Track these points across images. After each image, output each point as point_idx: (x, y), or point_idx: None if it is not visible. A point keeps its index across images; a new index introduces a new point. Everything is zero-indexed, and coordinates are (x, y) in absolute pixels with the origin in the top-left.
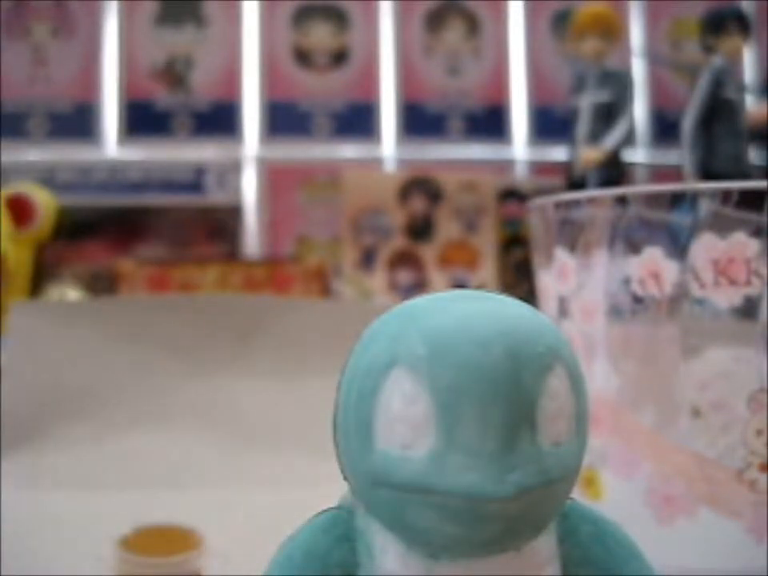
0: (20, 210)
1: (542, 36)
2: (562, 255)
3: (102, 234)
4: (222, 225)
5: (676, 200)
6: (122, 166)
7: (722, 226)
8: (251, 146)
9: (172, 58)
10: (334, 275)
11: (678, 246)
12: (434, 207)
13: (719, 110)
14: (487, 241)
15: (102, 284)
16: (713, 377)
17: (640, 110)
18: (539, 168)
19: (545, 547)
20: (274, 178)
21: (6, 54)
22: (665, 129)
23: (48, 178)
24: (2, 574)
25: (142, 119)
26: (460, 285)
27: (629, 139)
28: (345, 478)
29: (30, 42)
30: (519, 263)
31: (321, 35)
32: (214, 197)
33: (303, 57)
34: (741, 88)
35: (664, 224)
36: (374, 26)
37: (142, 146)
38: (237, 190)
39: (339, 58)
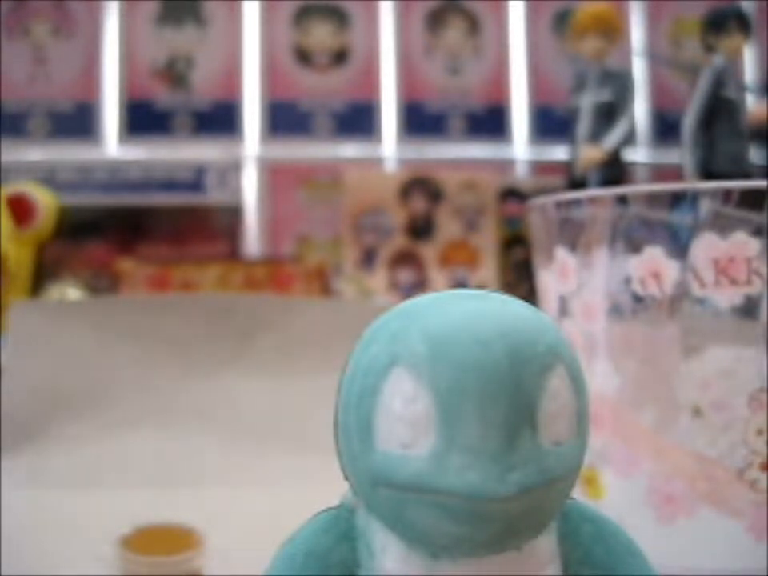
0: (21, 209)
1: (542, 35)
2: (562, 255)
3: (103, 234)
4: (222, 225)
5: (676, 199)
6: (122, 166)
7: (722, 226)
8: (252, 146)
9: (172, 57)
10: (335, 275)
11: (679, 246)
12: (434, 207)
13: (720, 110)
14: (487, 240)
15: (102, 284)
16: (713, 376)
17: (640, 109)
18: (540, 167)
19: (545, 547)
20: (275, 177)
21: (5, 53)
22: (665, 128)
23: (48, 177)
24: (2, 574)
25: (142, 119)
26: (460, 284)
27: (630, 139)
28: (345, 478)
29: (29, 41)
30: (520, 263)
31: (321, 35)
32: (215, 197)
33: (304, 56)
34: (741, 87)
35: (664, 223)
36: (374, 25)
37: (142, 145)
38: (237, 189)
39: (340, 57)
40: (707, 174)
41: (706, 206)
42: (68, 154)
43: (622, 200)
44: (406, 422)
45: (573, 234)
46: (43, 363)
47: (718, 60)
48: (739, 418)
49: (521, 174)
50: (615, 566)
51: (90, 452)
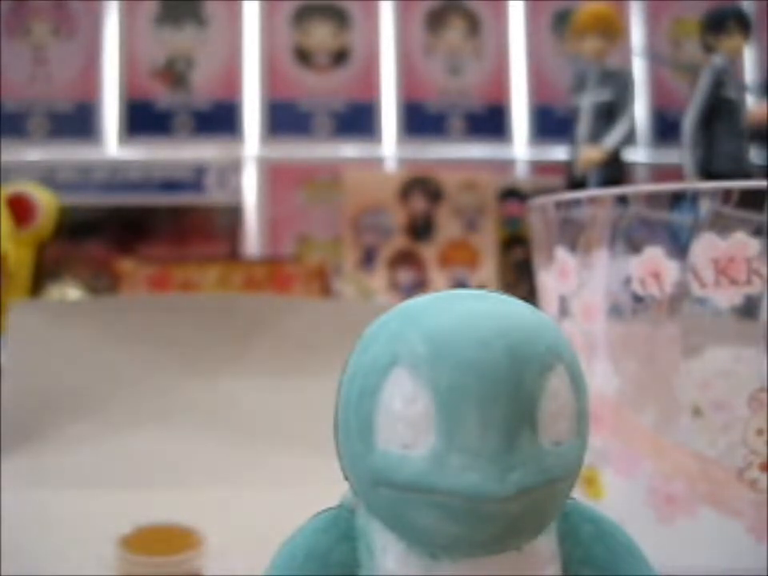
0: (21, 209)
1: (542, 35)
2: (562, 255)
3: (103, 234)
4: (222, 225)
5: (676, 199)
6: (122, 166)
7: (722, 226)
8: (252, 146)
9: (172, 57)
10: (335, 275)
11: (679, 246)
12: (434, 207)
13: (720, 110)
14: (487, 240)
15: (102, 284)
16: (713, 376)
17: (640, 109)
18: (540, 167)
19: (545, 547)
20: (275, 177)
21: (5, 53)
22: (665, 128)
23: (48, 177)
24: (2, 574)
25: (142, 119)
26: (460, 284)
27: (630, 139)
28: (345, 478)
29: (30, 41)
30: (520, 263)
31: (321, 35)
32: (215, 196)
33: (304, 56)
34: (741, 87)
35: (664, 223)
36: (374, 25)
37: (142, 145)
38: (237, 189)
39: (340, 57)
40: (707, 174)
41: (705, 206)
42: (68, 153)
43: (622, 200)
44: (406, 422)
45: (573, 234)
46: (43, 363)
47: (717, 60)
48: (739, 418)
49: (521, 174)
50: (615, 566)
51: (90, 452)
